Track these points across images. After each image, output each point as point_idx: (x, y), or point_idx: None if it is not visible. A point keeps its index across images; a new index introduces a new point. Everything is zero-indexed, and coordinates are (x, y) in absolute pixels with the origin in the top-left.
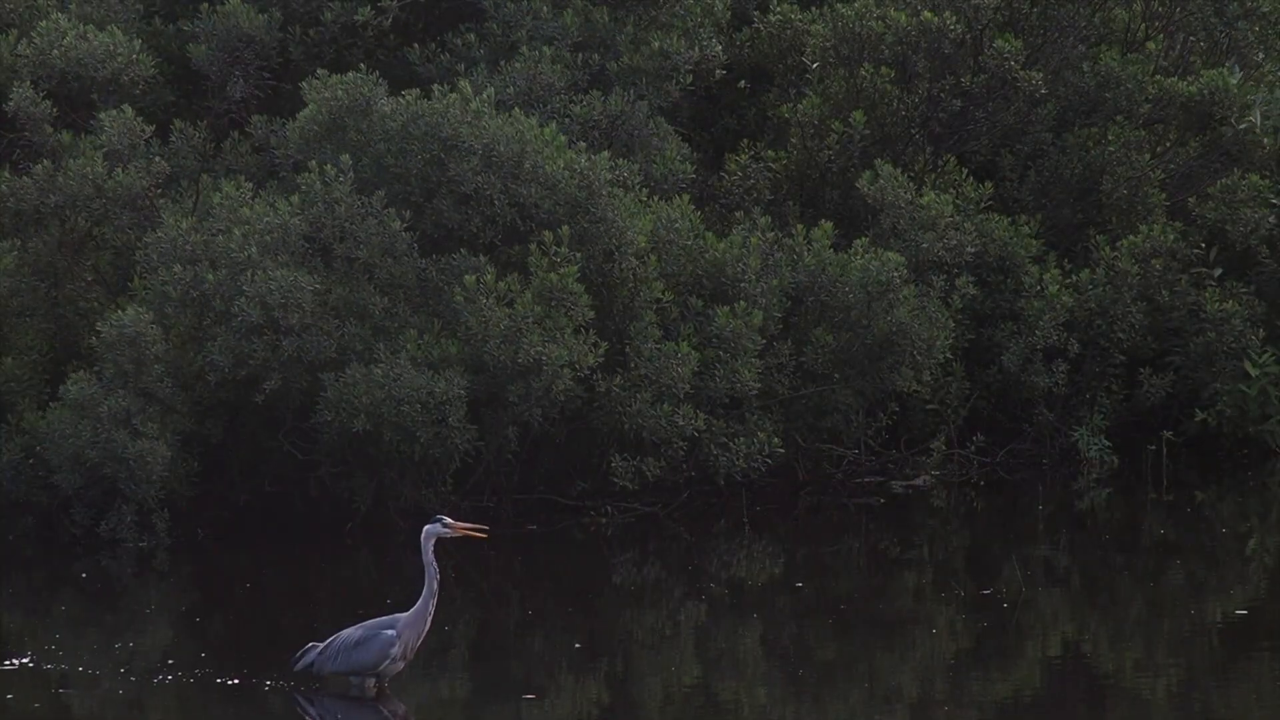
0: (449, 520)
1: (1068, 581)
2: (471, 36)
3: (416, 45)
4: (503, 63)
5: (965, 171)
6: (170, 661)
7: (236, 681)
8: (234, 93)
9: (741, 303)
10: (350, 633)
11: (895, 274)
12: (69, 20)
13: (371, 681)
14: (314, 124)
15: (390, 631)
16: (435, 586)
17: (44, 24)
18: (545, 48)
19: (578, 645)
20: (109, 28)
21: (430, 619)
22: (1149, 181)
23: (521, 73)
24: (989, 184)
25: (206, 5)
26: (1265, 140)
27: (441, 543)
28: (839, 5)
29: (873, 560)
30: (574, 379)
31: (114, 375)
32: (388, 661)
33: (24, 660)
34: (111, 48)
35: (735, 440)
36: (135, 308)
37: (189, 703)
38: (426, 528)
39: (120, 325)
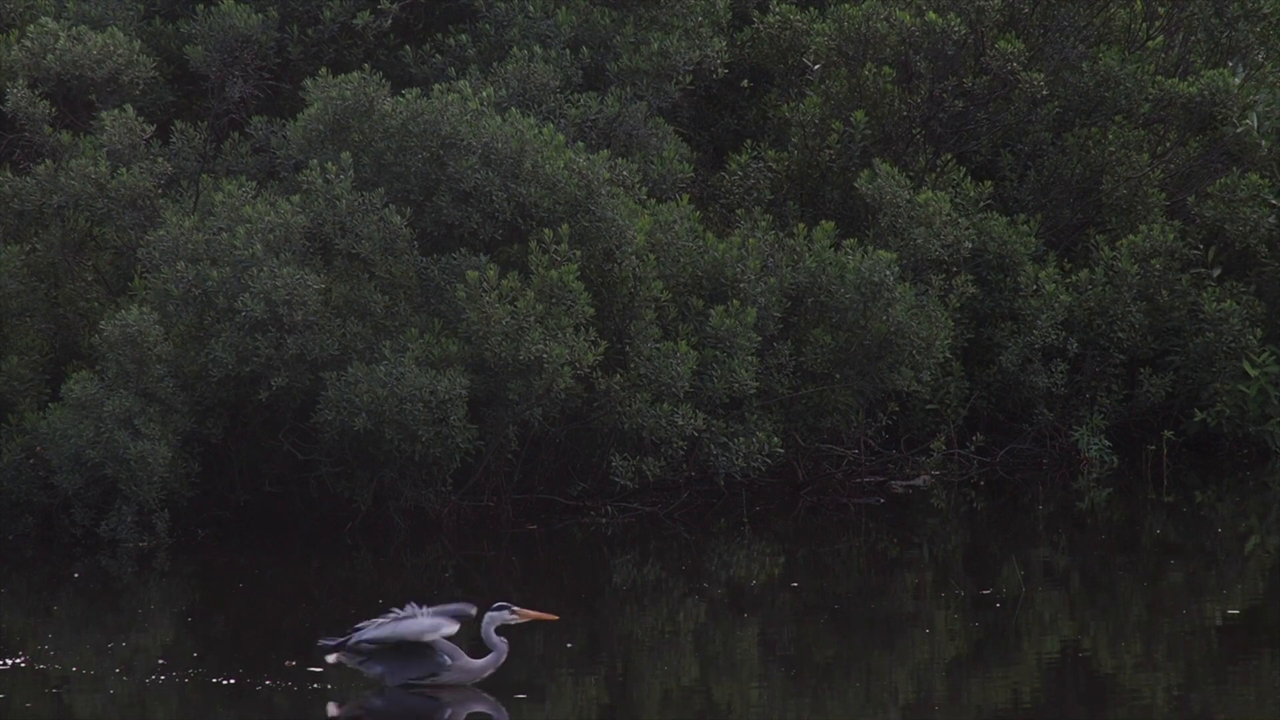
0: (516, 608)
1: (1068, 581)
2: (464, 37)
3: (410, 47)
4: (495, 63)
5: (964, 170)
6: (170, 661)
7: (233, 681)
8: (232, 93)
9: (735, 301)
10: (411, 629)
11: (888, 272)
12: (61, 23)
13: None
14: (318, 123)
15: (446, 659)
16: (501, 661)
17: (33, 27)
18: (538, 47)
19: (576, 645)
20: (109, 28)
21: (475, 681)
22: (1149, 181)
23: (514, 73)
24: (988, 183)
25: (202, 6)
26: (1264, 143)
27: (443, 545)
28: (845, 6)
29: (872, 560)
30: (574, 377)
31: (116, 375)
32: (428, 679)
33: (17, 660)
34: (110, 48)
35: (735, 440)
36: (139, 307)
37: (188, 702)
38: (489, 614)
39: (123, 324)
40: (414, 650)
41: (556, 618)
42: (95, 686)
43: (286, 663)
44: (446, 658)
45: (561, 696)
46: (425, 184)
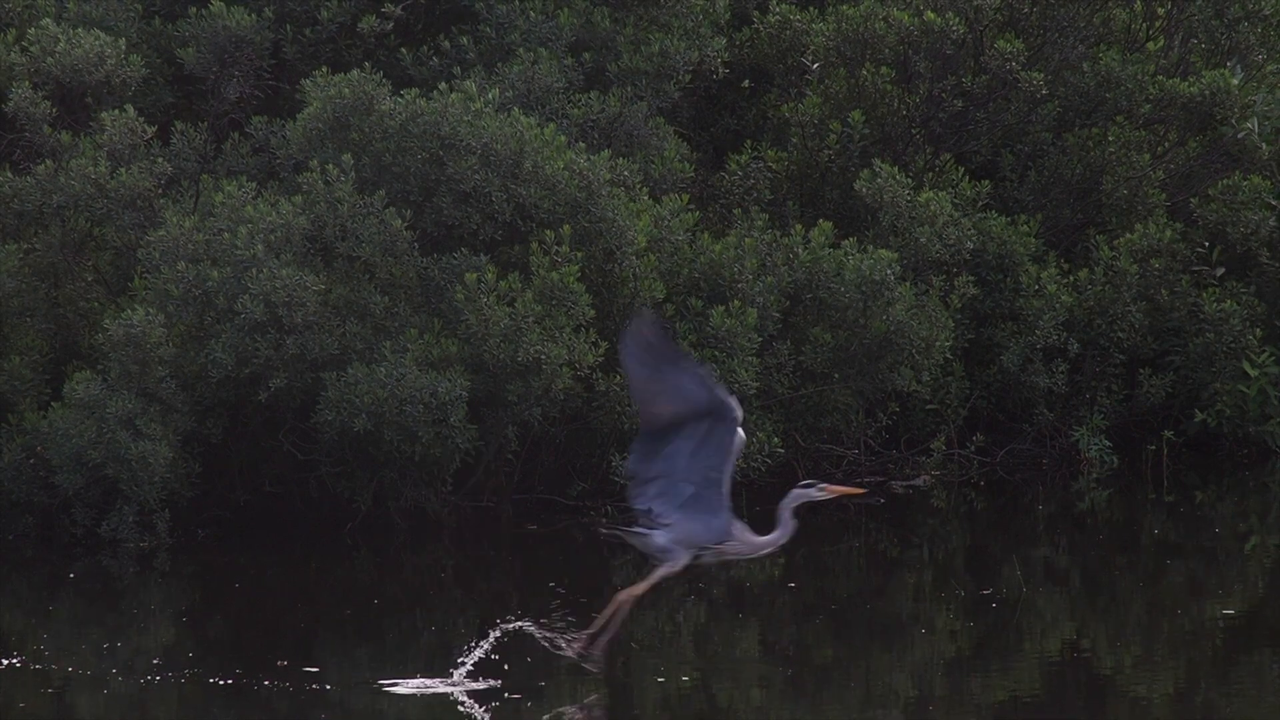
0: (825, 485)
1: (1068, 581)
2: (465, 40)
3: (408, 50)
4: (500, 64)
5: (962, 170)
6: (168, 661)
7: (230, 681)
8: (228, 94)
9: (736, 302)
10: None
11: (889, 271)
12: (60, 25)
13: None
14: (318, 122)
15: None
16: (782, 541)
17: (33, 30)
18: (542, 50)
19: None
20: (93, 30)
21: (754, 555)
22: (1149, 182)
23: (519, 75)
24: (986, 182)
25: (194, 8)
26: (1264, 145)
27: (443, 545)
28: (843, 6)
29: (872, 560)
30: (574, 378)
31: (119, 376)
32: (707, 551)
33: (13, 660)
34: (100, 51)
35: None
36: (143, 308)
37: (186, 702)
38: (795, 491)
39: (128, 325)
40: (698, 500)
41: (864, 491)
42: (93, 686)
43: (279, 662)
44: (732, 529)
45: (561, 696)
46: (425, 185)
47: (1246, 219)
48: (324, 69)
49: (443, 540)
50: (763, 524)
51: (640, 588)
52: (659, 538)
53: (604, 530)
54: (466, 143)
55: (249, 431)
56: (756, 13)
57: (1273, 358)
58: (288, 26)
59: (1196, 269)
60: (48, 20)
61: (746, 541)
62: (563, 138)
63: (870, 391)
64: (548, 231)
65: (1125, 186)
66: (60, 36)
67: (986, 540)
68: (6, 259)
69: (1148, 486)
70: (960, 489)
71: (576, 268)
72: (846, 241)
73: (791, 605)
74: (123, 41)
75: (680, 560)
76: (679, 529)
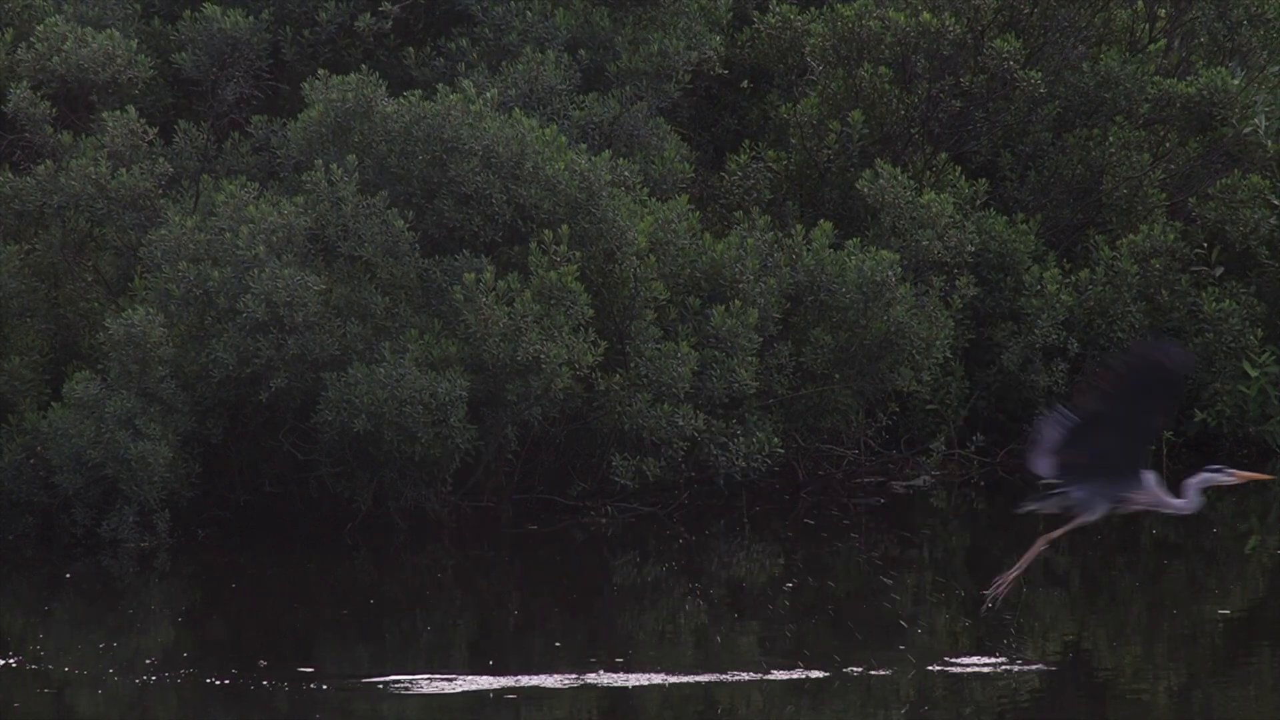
0: (1232, 470)
1: (1068, 581)
2: (464, 41)
3: (411, 49)
4: (504, 63)
5: (959, 170)
6: (167, 661)
7: (228, 682)
8: (227, 96)
9: (736, 302)
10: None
11: (890, 272)
12: (67, 23)
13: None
14: (318, 125)
15: (1143, 480)
16: (1184, 512)
17: (40, 28)
18: (548, 51)
19: (576, 645)
20: (107, 30)
21: (1162, 511)
22: (1149, 181)
23: (523, 74)
24: (983, 181)
25: (189, 11)
26: (1269, 144)
27: (443, 545)
28: (838, 6)
29: (872, 560)
30: (573, 378)
31: (119, 375)
32: (1119, 503)
33: (10, 660)
34: (109, 50)
35: (735, 440)
36: (143, 308)
37: (185, 703)
38: (1203, 474)
39: (128, 325)
40: (1116, 470)
41: (1271, 477)
42: (91, 686)
43: (278, 662)
44: (1145, 479)
45: (561, 697)
46: (427, 187)
47: (1246, 218)
48: (323, 70)
49: (443, 540)
50: (764, 521)
51: (1059, 533)
52: (1077, 492)
53: (1025, 508)
54: (469, 145)
55: (249, 431)
56: (756, 13)
57: (1273, 357)
58: (286, 28)
59: (1196, 269)
60: (56, 18)
61: (1157, 496)
62: (564, 138)
63: (870, 392)
64: (546, 231)
65: (1125, 186)
66: (69, 34)
67: (986, 540)
68: (7, 259)
69: None
70: (961, 489)
71: (575, 267)
72: (850, 242)
73: (791, 605)
74: (134, 42)
75: (1099, 509)
76: (1094, 484)
